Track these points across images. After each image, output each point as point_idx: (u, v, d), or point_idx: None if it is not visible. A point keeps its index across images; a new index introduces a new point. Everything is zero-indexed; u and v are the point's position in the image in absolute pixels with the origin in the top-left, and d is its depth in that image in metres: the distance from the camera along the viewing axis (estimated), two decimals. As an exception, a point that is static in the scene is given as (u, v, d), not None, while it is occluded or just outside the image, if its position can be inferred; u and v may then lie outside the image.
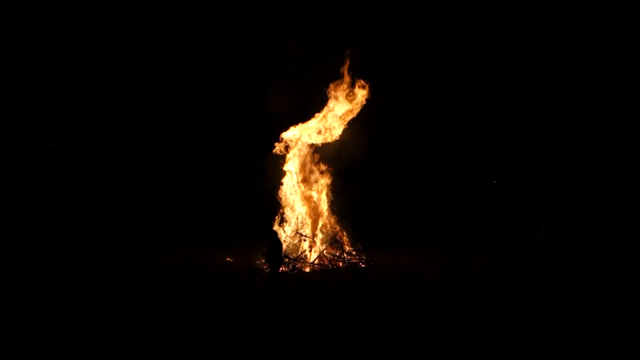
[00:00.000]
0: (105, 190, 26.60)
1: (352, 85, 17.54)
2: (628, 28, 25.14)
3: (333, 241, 17.34)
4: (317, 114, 17.77)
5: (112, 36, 26.75)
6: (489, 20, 27.11)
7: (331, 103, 17.70)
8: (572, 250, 17.34)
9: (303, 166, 18.12)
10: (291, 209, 17.94)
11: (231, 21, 26.72)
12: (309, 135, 17.78)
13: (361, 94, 17.43)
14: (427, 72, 27.11)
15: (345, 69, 17.49)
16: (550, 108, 27.34)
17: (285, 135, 17.71)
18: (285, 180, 17.95)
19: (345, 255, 17.02)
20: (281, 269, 13.33)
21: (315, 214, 17.91)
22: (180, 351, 7.42)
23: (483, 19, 27.14)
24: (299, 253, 16.98)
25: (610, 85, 26.07)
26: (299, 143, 17.86)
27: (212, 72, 27.10)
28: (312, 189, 18.12)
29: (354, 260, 16.77)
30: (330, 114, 17.66)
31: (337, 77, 17.67)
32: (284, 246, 15.65)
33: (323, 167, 18.21)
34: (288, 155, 17.84)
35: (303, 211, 17.83)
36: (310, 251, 17.07)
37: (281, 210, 17.77)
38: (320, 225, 17.75)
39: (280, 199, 17.85)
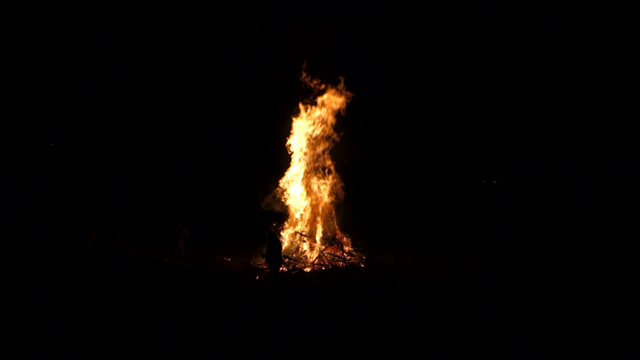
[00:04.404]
0: (105, 190, 26.62)
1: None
2: (628, 28, 25.13)
3: (333, 241, 17.33)
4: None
5: (111, 36, 26.79)
6: (490, 20, 27.13)
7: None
8: (576, 249, 17.28)
9: (306, 166, 18.21)
10: (292, 209, 18.01)
11: (230, 21, 26.74)
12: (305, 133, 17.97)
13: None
14: (428, 73, 27.15)
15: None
16: (551, 108, 27.34)
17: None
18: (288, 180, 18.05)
19: (346, 255, 17.00)
20: (281, 268, 13.34)
21: (316, 214, 17.94)
22: (180, 351, 7.40)
23: (484, 19, 27.16)
24: (299, 253, 16.98)
25: (610, 85, 26.07)
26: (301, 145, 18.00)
27: (211, 72, 27.12)
28: (314, 189, 18.15)
29: (353, 260, 16.76)
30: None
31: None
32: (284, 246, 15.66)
33: (326, 167, 18.28)
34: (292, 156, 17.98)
35: (304, 211, 17.88)
36: (311, 251, 17.07)
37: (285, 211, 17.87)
38: (320, 225, 17.77)
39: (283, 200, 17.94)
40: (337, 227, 17.93)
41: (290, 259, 16.17)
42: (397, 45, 23.89)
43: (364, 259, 16.81)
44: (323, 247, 17.04)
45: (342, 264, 16.40)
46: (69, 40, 26.34)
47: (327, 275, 14.98)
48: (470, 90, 27.87)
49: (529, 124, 27.52)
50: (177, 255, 15.94)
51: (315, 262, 16.37)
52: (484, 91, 27.85)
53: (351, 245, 17.70)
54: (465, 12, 27.12)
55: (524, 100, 27.55)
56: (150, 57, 27.25)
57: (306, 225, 17.74)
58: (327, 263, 16.37)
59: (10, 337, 8.00)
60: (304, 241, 17.32)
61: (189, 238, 16.35)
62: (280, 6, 22.31)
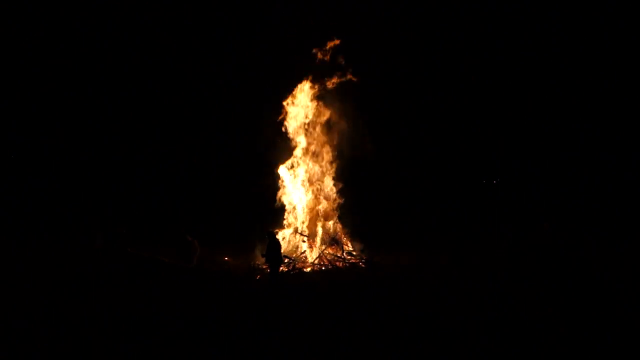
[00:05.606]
0: (105, 190, 26.61)
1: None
2: (628, 28, 25.11)
3: (333, 241, 17.33)
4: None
5: (111, 36, 26.79)
6: (490, 19, 27.11)
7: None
8: (576, 249, 17.25)
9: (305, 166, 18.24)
10: (293, 208, 18.03)
11: (230, 21, 26.74)
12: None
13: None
14: (427, 72, 27.12)
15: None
16: (551, 108, 27.32)
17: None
18: (286, 180, 18.07)
19: (346, 255, 17.00)
20: (281, 268, 13.34)
21: (316, 214, 17.95)
22: (180, 351, 7.40)
23: (485, 18, 27.14)
24: (299, 253, 16.99)
25: (610, 85, 26.05)
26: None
27: (211, 72, 27.11)
28: (314, 189, 18.16)
29: (353, 260, 16.76)
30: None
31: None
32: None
33: (326, 166, 18.30)
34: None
35: (304, 211, 17.89)
36: (311, 251, 17.07)
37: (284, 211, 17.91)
38: (321, 225, 17.78)
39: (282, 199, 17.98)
40: (337, 227, 17.93)
41: (290, 259, 16.18)
42: (397, 45, 23.87)
43: (364, 259, 16.81)
44: (323, 247, 17.04)
45: (342, 264, 16.40)
46: (69, 40, 26.34)
47: (327, 275, 14.98)
48: (470, 90, 27.86)
49: (528, 124, 27.50)
50: (190, 262, 15.97)
51: (315, 262, 16.37)
52: (484, 91, 27.83)
53: (351, 245, 17.70)
54: (465, 12, 27.13)
55: (524, 100, 27.53)
56: (150, 57, 27.25)
57: (306, 226, 17.74)
58: (327, 263, 16.37)
59: (10, 337, 7.99)
60: (304, 241, 17.32)
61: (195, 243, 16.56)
62: (281, 6, 22.32)
